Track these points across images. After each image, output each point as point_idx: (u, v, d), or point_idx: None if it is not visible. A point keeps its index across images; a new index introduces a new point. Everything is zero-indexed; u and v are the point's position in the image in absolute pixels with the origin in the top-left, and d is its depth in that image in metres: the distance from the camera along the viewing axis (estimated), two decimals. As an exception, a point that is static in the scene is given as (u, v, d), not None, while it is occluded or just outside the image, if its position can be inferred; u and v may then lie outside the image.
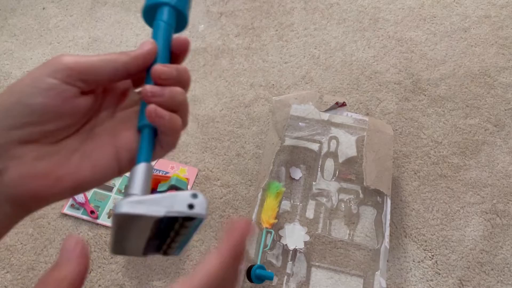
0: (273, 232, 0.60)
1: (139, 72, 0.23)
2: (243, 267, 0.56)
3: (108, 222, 0.64)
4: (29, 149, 0.20)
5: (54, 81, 0.20)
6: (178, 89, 0.23)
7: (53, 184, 0.21)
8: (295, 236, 0.61)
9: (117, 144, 0.23)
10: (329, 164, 0.68)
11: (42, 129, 0.21)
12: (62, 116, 0.21)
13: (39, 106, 0.20)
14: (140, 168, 0.21)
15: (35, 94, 0.20)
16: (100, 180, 0.22)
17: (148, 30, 0.88)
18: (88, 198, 0.66)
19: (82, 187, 0.22)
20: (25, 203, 0.21)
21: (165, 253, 0.22)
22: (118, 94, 0.24)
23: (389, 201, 0.60)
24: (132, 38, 0.86)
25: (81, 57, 0.21)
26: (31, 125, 0.20)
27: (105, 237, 0.63)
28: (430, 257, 0.62)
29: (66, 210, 0.65)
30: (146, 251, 0.22)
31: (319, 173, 0.67)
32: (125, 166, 0.23)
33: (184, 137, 0.72)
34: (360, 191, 0.65)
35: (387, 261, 0.59)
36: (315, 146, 0.70)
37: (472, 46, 0.83)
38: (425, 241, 0.63)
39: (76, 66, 0.21)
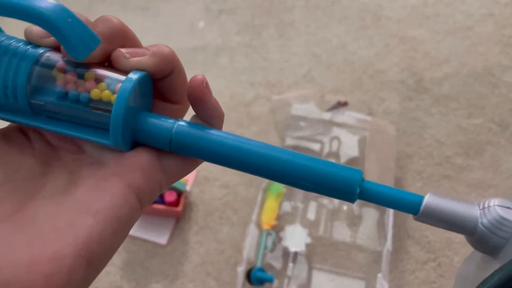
0: (273, 233, 0.60)
1: None
2: (243, 269, 0.56)
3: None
4: None
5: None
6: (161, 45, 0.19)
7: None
8: (296, 238, 0.60)
9: (126, 179, 0.17)
10: (331, 164, 0.67)
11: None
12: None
13: None
14: None
15: None
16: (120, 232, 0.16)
17: (147, 28, 0.88)
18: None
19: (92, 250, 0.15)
20: None
21: None
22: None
23: (392, 203, 0.59)
24: (130, 36, 0.85)
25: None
26: None
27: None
28: (433, 259, 0.61)
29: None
30: None
31: (320, 173, 0.66)
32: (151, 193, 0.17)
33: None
34: (362, 192, 0.65)
35: (390, 263, 0.59)
36: (316, 146, 0.69)
37: (475, 44, 0.82)
38: (428, 243, 0.62)
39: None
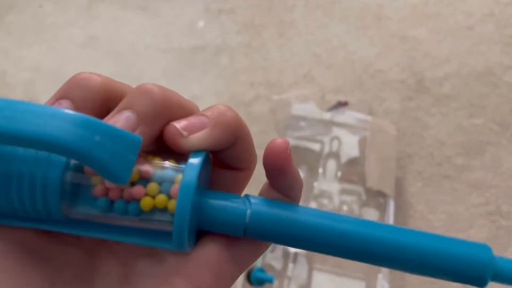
0: (273, 234, 0.60)
1: None
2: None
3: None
4: None
5: None
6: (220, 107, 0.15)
7: None
8: (296, 238, 0.60)
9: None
10: (331, 164, 0.67)
11: None
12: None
13: None
14: None
15: None
16: None
17: (146, 27, 0.87)
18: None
19: None
20: None
21: None
22: None
23: (392, 203, 0.59)
24: (129, 35, 0.85)
25: None
26: None
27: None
28: (434, 260, 0.61)
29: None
30: None
31: (320, 173, 0.66)
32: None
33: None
34: (363, 193, 0.64)
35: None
36: (316, 146, 0.69)
37: (476, 44, 0.82)
38: (429, 244, 0.62)
39: None
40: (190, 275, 0.14)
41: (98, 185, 0.13)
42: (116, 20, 0.87)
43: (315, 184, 0.65)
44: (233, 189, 0.16)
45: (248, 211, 0.14)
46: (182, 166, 0.14)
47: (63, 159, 0.13)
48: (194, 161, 0.13)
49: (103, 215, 0.14)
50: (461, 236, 0.63)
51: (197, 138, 0.14)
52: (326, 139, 0.69)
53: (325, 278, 0.59)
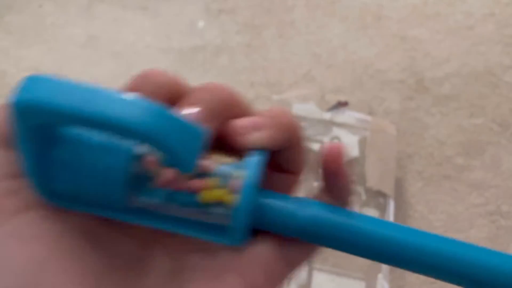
0: (273, 234, 0.60)
1: None
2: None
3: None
4: None
5: None
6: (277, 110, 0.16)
7: None
8: (296, 238, 0.60)
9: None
10: (331, 164, 0.67)
11: None
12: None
13: None
14: None
15: None
16: None
17: (146, 27, 0.87)
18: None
19: None
20: None
21: None
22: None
23: (392, 203, 0.59)
24: (129, 36, 0.85)
25: None
26: None
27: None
28: (434, 259, 0.61)
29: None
30: None
31: (320, 173, 0.66)
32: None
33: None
34: (363, 193, 0.64)
35: (390, 264, 0.59)
36: (316, 146, 0.69)
37: (476, 44, 0.82)
38: (429, 244, 0.62)
39: None
40: (243, 272, 0.14)
41: (161, 175, 0.14)
42: (116, 20, 0.87)
43: (315, 184, 0.65)
44: (284, 192, 0.16)
45: (305, 214, 0.15)
46: (241, 163, 0.14)
47: (128, 148, 0.14)
48: (256, 158, 0.14)
49: (163, 206, 0.14)
50: (461, 236, 0.63)
51: (258, 137, 0.15)
52: (326, 139, 0.69)
53: (325, 278, 0.59)
